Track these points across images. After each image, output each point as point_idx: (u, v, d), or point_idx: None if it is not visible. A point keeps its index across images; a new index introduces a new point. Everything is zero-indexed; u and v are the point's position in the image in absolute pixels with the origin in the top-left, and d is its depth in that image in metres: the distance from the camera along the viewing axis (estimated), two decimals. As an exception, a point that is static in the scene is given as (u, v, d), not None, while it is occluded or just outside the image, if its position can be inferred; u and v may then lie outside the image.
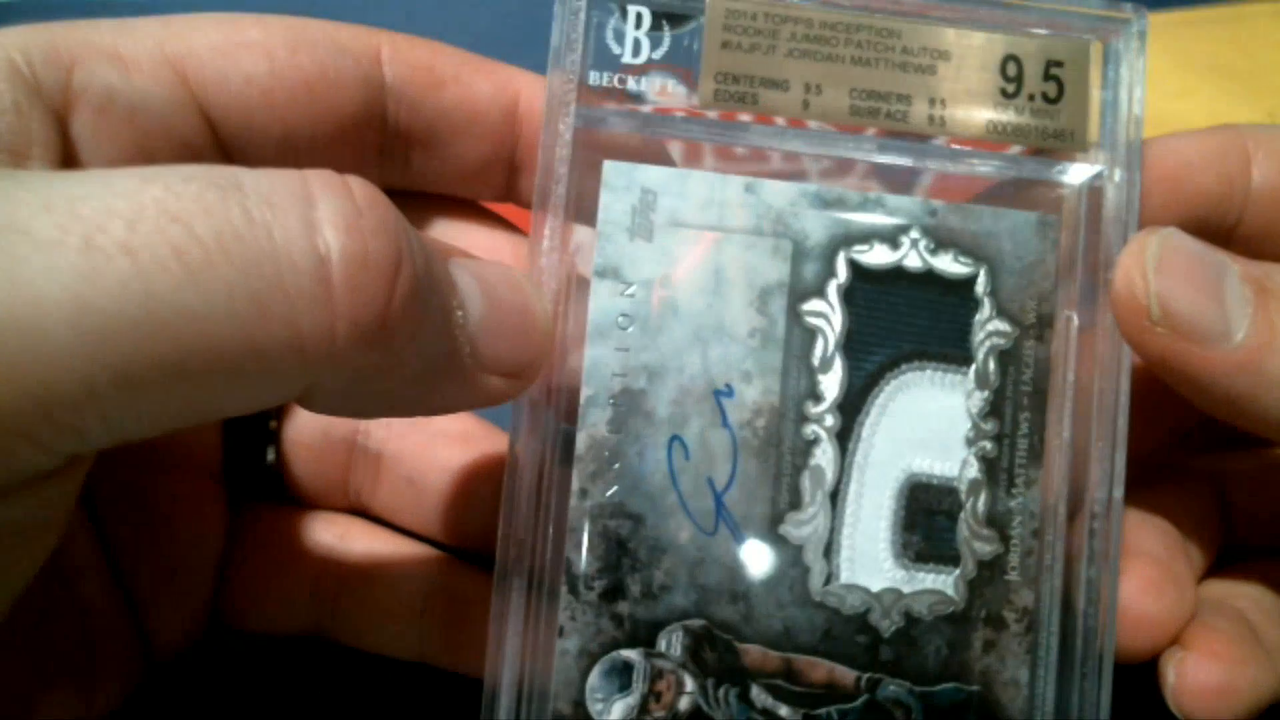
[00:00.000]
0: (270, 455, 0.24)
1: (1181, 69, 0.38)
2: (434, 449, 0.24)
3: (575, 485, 0.21)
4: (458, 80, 0.22)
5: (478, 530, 0.23)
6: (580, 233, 0.21)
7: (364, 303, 0.15)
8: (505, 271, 0.19)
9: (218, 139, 0.21)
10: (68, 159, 0.19)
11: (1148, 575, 0.22)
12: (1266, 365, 0.19)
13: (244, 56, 0.20)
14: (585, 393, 0.21)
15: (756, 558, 0.21)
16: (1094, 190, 0.22)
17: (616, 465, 0.21)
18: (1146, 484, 0.24)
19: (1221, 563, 0.24)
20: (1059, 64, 0.22)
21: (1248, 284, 0.20)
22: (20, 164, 0.18)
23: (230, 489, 0.24)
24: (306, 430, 0.24)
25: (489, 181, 0.23)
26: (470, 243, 0.23)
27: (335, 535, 0.24)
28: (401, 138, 0.22)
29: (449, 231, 0.24)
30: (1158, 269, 0.20)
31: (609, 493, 0.21)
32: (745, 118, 0.22)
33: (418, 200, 0.24)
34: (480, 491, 0.24)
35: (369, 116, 0.21)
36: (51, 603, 0.21)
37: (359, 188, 0.16)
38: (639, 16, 0.21)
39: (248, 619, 0.24)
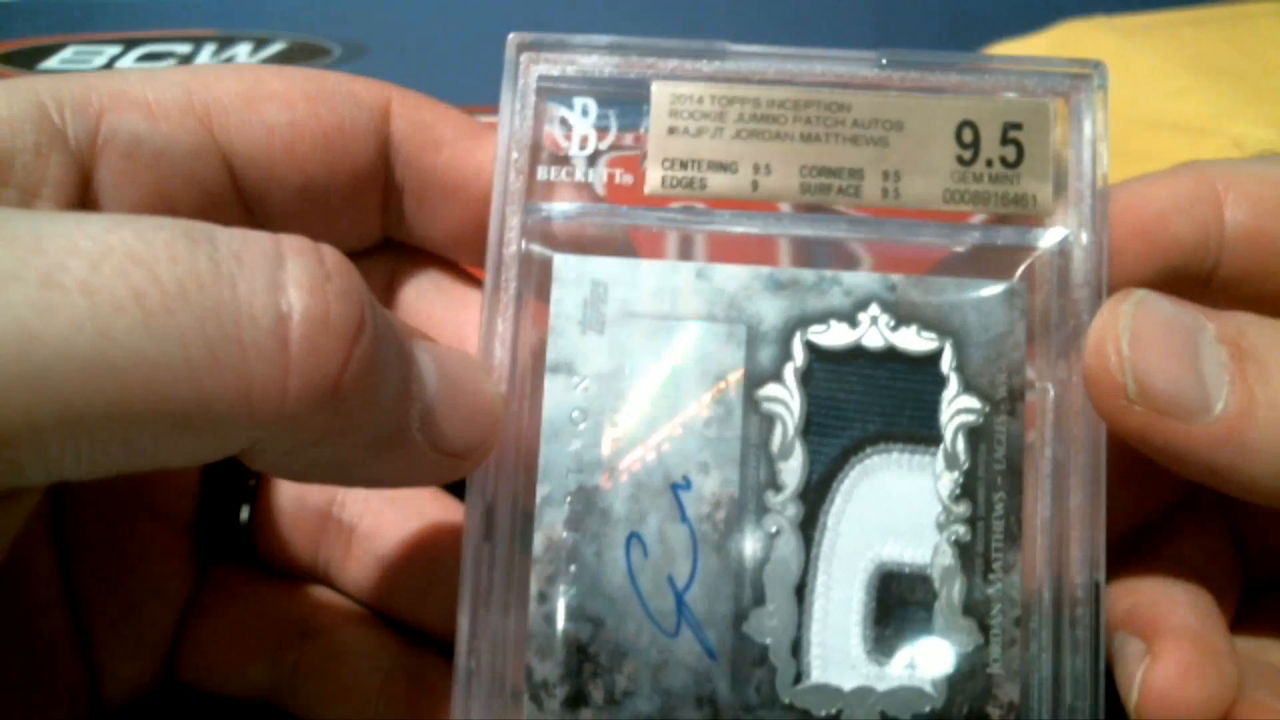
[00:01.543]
0: (244, 515, 0.24)
1: (1181, 68, 0.38)
2: (408, 530, 0.24)
3: (533, 589, 0.20)
4: (454, 145, 0.22)
5: (445, 618, 0.23)
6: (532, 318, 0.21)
7: (319, 364, 0.16)
8: (462, 356, 0.20)
9: (238, 186, 0.21)
10: (86, 201, 0.20)
11: (1187, 657, 0.20)
12: (1247, 437, 0.18)
13: (267, 107, 0.21)
14: (541, 491, 0.21)
15: (721, 660, 0.20)
16: (1062, 255, 0.21)
17: (574, 566, 0.20)
18: (1161, 530, 0.23)
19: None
20: (1017, 126, 0.21)
21: (1223, 345, 0.19)
22: (29, 203, 0.19)
23: (200, 544, 0.24)
24: (282, 495, 0.24)
25: (470, 247, 0.23)
26: (448, 304, 0.24)
27: (300, 604, 0.24)
28: (397, 192, 0.23)
29: (430, 289, 0.24)
30: (1132, 341, 0.19)
31: (567, 595, 0.20)
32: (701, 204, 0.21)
33: (410, 255, 0.24)
34: (451, 579, 0.23)
35: (377, 169, 0.22)
36: (7, 635, 0.21)
37: (329, 254, 0.17)
38: (585, 108, 0.21)
39: (202, 676, 0.24)
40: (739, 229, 0.21)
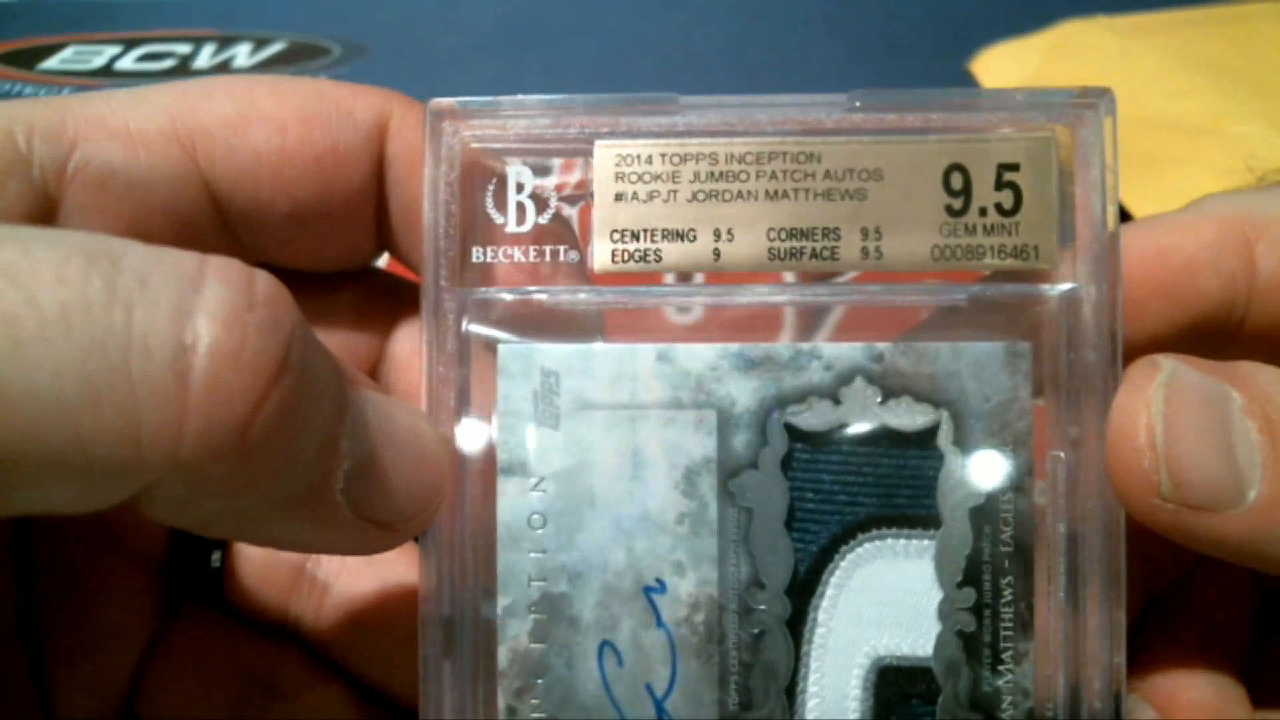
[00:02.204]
0: (216, 560, 0.23)
1: (1182, 68, 0.37)
2: (386, 594, 0.23)
3: (501, 703, 0.19)
4: None
5: (416, 687, 0.22)
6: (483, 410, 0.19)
7: (224, 405, 0.14)
8: (410, 412, 0.18)
9: (222, 215, 0.20)
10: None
11: None
12: None
13: (256, 131, 0.20)
14: (502, 602, 0.19)
15: (708, 768, 0.19)
16: (1071, 309, 0.19)
17: (542, 679, 0.19)
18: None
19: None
20: (1013, 167, 0.19)
21: (1252, 419, 0.17)
22: None
23: (169, 584, 0.23)
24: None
25: None
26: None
27: (266, 657, 0.23)
28: (386, 212, 0.21)
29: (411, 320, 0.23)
30: (1167, 432, 0.17)
31: (538, 709, 0.19)
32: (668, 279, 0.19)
33: (410, 295, 0.23)
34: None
35: (370, 190, 0.21)
36: None
37: (262, 282, 0.15)
38: (520, 178, 0.19)
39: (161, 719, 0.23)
40: (705, 302, 0.19)
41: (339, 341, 0.23)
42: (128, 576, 0.23)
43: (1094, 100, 0.18)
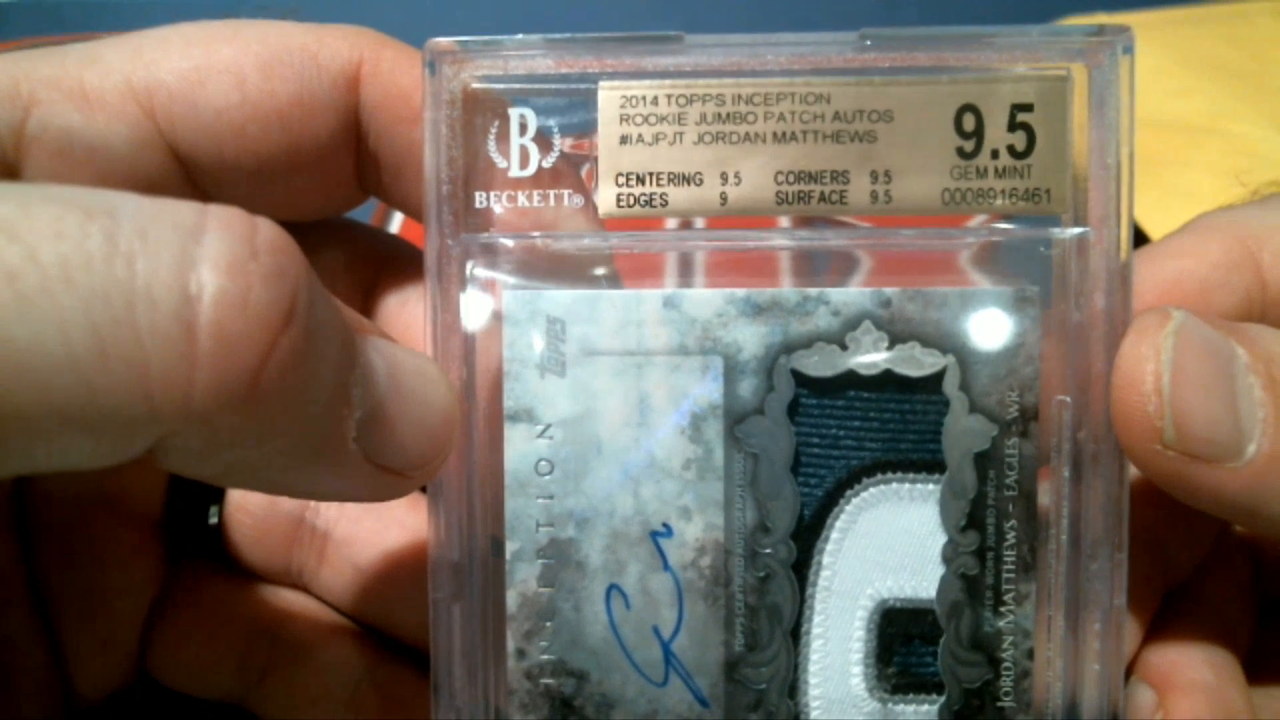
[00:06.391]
0: (214, 516, 0.23)
1: (1182, 67, 0.37)
2: (387, 537, 0.23)
3: (510, 646, 0.19)
4: None
5: (422, 628, 0.22)
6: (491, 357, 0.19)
7: (233, 354, 0.14)
8: (418, 359, 0.18)
9: (188, 175, 0.20)
10: None
11: (1199, 713, 0.19)
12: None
13: (214, 85, 0.19)
14: (510, 548, 0.19)
15: (714, 706, 0.19)
16: (1081, 254, 0.19)
17: (551, 622, 0.19)
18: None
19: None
20: (1027, 108, 0.18)
21: (1255, 375, 0.17)
22: None
23: (169, 543, 0.24)
24: (252, 498, 0.23)
25: None
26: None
27: (270, 607, 0.23)
28: (372, 161, 0.21)
29: (415, 295, 0.22)
30: (1174, 380, 0.17)
31: (547, 651, 0.19)
32: (670, 222, 0.19)
33: (397, 256, 0.23)
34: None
35: (345, 140, 0.20)
36: None
37: (265, 230, 0.15)
38: (523, 120, 0.19)
39: (171, 676, 0.23)
40: (711, 246, 0.19)
41: None
42: (126, 537, 0.23)
43: (1111, 38, 0.18)
